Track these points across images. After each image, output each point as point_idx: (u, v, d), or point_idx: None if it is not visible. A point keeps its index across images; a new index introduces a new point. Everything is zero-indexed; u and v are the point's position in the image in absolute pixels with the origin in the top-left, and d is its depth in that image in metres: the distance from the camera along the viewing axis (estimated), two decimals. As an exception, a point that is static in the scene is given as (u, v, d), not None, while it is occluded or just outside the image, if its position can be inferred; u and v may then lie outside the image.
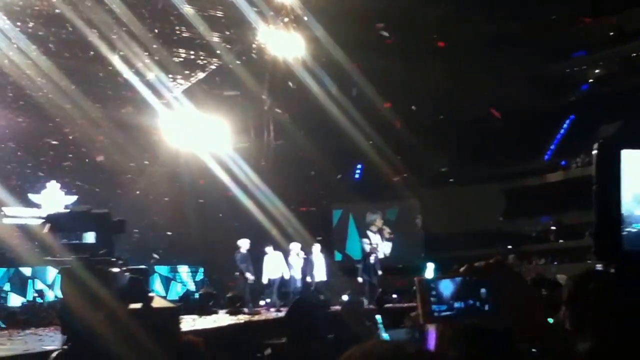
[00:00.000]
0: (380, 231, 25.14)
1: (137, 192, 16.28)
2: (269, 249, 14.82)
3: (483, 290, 1.65)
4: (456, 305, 1.68)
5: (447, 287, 1.73)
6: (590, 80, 25.35)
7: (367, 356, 1.32)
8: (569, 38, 24.38)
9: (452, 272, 1.72)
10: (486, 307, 1.65)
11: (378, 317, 9.35)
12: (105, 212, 5.74)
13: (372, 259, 16.22)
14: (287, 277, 14.82)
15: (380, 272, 16.13)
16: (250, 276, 14.17)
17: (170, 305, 6.35)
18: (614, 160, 2.10)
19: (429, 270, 12.46)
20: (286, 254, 15.09)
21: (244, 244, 14.39)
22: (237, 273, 14.33)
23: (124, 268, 5.17)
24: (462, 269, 1.72)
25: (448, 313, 1.70)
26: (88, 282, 4.54)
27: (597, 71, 25.35)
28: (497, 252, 24.45)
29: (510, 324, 1.66)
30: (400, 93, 18.66)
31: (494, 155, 24.23)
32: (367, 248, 19.97)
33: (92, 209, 5.03)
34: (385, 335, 8.61)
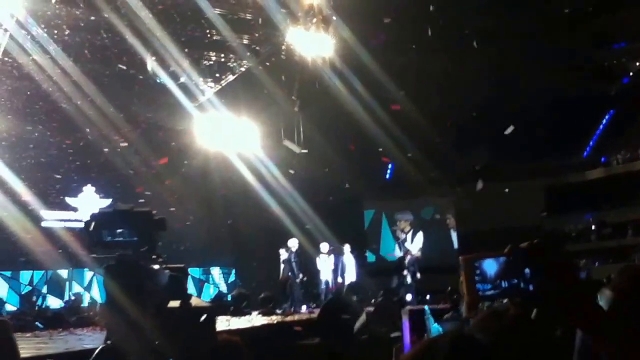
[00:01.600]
0: (405, 231, 25.31)
1: (169, 195, 16.81)
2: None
3: (527, 271, 1.72)
4: (500, 284, 1.78)
5: (491, 266, 1.83)
6: (631, 73, 24.97)
7: (431, 347, 1.48)
8: (609, 28, 24.02)
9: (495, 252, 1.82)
10: (530, 287, 1.73)
11: (426, 307, 9.56)
12: (147, 210, 6.14)
13: (407, 259, 16.38)
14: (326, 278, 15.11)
15: (418, 275, 16.21)
16: (300, 276, 14.46)
17: (207, 304, 6.80)
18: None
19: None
20: (316, 254, 15.38)
21: (293, 244, 14.65)
22: (288, 273, 14.52)
23: (164, 266, 5.59)
24: (506, 250, 1.82)
25: (492, 292, 1.81)
26: (130, 279, 4.96)
27: (638, 63, 24.95)
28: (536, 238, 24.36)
29: (555, 305, 1.65)
30: (433, 90, 18.81)
31: (532, 151, 24.11)
32: (401, 249, 20.19)
33: (135, 207, 5.42)
34: (435, 326, 8.85)
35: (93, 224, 5.52)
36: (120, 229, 5.62)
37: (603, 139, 25.54)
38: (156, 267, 5.21)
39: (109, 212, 5.54)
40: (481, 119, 21.52)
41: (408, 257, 16.55)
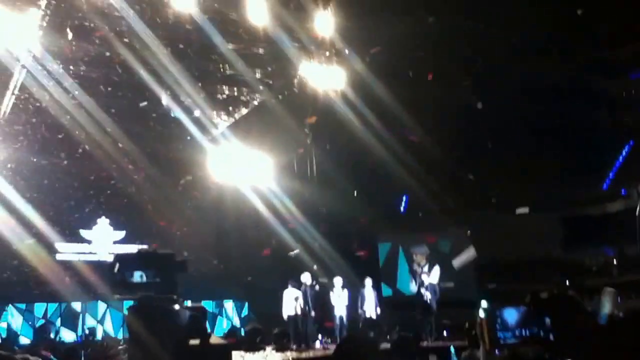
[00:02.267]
0: (421, 265, 25.19)
1: (183, 227, 17.01)
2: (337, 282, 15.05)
3: (547, 320, 1.83)
4: (521, 333, 1.94)
5: (511, 315, 2.03)
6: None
7: None
8: (628, 57, 24.05)
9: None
10: (551, 336, 1.81)
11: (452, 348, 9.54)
12: (169, 252, 6.47)
13: (424, 294, 16.25)
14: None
15: (434, 308, 16.05)
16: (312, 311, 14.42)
17: (224, 342, 6.96)
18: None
19: (483, 307, 12.28)
20: (330, 288, 15.33)
21: (307, 279, 14.63)
22: (302, 308, 14.46)
23: (185, 306, 5.88)
24: (526, 299, 1.95)
25: (513, 340, 1.96)
26: (153, 320, 5.23)
27: (657, 93, 24.91)
28: (555, 287, 24.13)
29: (576, 355, 1.70)
30: (446, 121, 18.95)
31: (550, 182, 24.01)
32: (416, 283, 20.06)
33: (158, 250, 5.69)
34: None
35: (117, 265, 5.85)
36: (143, 271, 5.92)
37: (624, 170, 25.37)
38: (177, 307, 5.50)
39: (132, 254, 5.85)
40: (497, 149, 21.54)
41: (424, 291, 16.41)
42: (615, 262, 24.52)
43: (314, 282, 14.83)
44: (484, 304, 8.51)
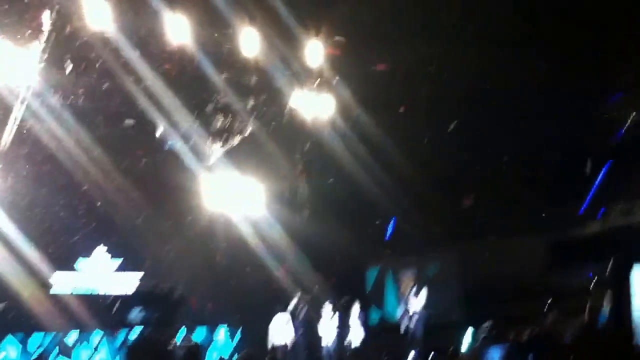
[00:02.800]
0: (408, 289, 25.09)
1: (176, 253, 16.87)
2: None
3: (530, 356, 2.00)
4: None
5: (497, 353, 2.11)
6: (627, 125, 25.28)
7: None
8: (605, 81, 24.37)
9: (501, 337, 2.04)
10: None
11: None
12: (167, 289, 6.56)
13: (409, 319, 16.06)
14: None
15: (419, 334, 15.82)
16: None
17: None
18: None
19: (468, 335, 12.21)
20: (319, 315, 15.18)
21: (294, 307, 14.44)
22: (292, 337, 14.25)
23: (183, 341, 5.98)
24: (510, 336, 2.08)
25: None
26: (152, 356, 5.20)
27: (633, 115, 25.28)
28: (539, 307, 24.08)
29: None
30: (432, 146, 19.11)
31: (531, 205, 24.16)
32: (403, 307, 19.91)
33: (157, 285, 5.81)
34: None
35: (115, 304, 5.95)
36: (142, 307, 5.96)
37: (602, 191, 25.60)
38: (176, 342, 5.57)
39: (131, 294, 5.87)
40: (482, 174, 21.71)
41: (409, 316, 16.21)
42: (596, 283, 24.59)
43: (303, 308, 14.71)
44: (468, 336, 8.39)
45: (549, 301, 23.87)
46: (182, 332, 15.90)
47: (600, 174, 25.73)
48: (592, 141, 24.31)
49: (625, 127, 24.94)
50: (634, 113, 24.47)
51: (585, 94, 21.50)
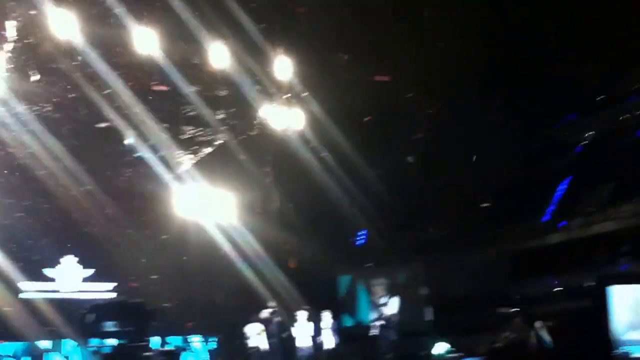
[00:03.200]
0: (380, 296, 25.02)
1: (147, 262, 16.56)
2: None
3: None
4: None
5: None
6: (584, 142, 25.71)
7: None
8: (560, 101, 24.89)
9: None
10: None
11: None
12: (140, 302, 6.46)
13: (380, 326, 15.87)
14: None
15: (390, 341, 15.63)
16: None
17: None
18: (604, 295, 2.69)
19: (439, 348, 12.01)
20: (293, 322, 14.99)
21: (266, 315, 14.17)
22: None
23: (157, 351, 5.81)
24: (481, 349, 1.99)
25: None
26: None
27: (589, 133, 25.77)
28: (504, 315, 24.20)
29: None
30: (397, 160, 19.10)
31: (495, 218, 24.33)
32: (376, 314, 19.74)
33: (129, 300, 5.68)
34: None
35: (90, 316, 5.73)
36: (116, 320, 5.85)
37: (563, 204, 25.90)
38: (149, 353, 5.43)
39: (104, 304, 5.74)
40: (448, 188, 21.79)
41: (381, 323, 16.07)
42: (557, 291, 24.80)
43: (275, 316, 14.49)
44: (438, 348, 8.17)
45: (512, 310, 24.04)
46: (157, 341, 15.58)
47: (560, 188, 26.09)
48: (552, 157, 24.71)
49: (582, 145, 25.45)
50: (590, 132, 25.02)
51: (544, 114, 21.89)
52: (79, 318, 13.87)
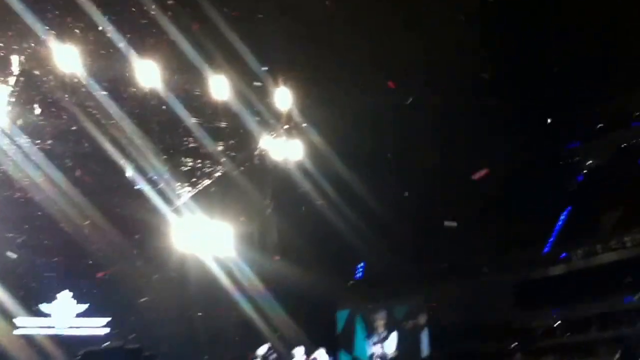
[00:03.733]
0: (379, 331, 24.89)
1: (147, 296, 16.50)
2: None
3: None
4: None
5: None
6: (585, 171, 25.85)
7: None
8: (562, 129, 25.04)
9: None
10: None
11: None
12: (137, 347, 6.26)
13: None
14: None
15: None
16: None
17: None
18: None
19: None
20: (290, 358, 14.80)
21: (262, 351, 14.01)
22: None
23: None
24: None
25: None
26: None
27: (590, 162, 25.90)
28: (506, 346, 24.04)
29: None
30: (398, 191, 19.23)
31: (496, 249, 24.33)
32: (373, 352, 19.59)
33: (126, 345, 5.54)
34: None
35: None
36: None
37: (564, 234, 25.91)
38: None
39: (99, 351, 5.69)
40: (449, 217, 21.90)
41: (378, 354, 15.76)
42: (559, 323, 24.64)
43: (270, 353, 14.30)
44: None
45: (515, 343, 23.88)
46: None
47: (561, 218, 26.16)
48: (553, 186, 24.84)
49: (583, 173, 25.61)
50: (591, 161, 25.21)
51: (545, 141, 22.13)
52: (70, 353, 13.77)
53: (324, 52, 14.60)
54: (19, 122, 11.32)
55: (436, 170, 19.70)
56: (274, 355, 14.10)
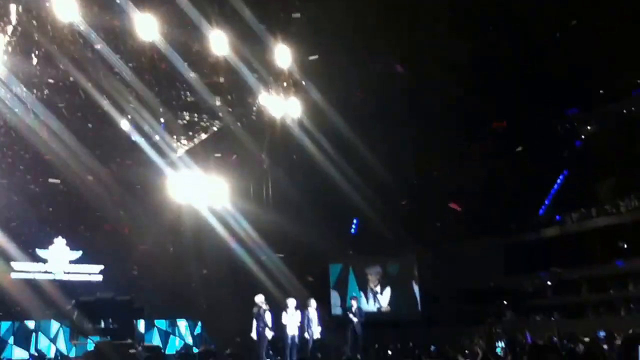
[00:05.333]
0: (374, 285, 25.57)
1: (140, 247, 16.90)
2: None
3: None
4: None
5: None
6: (583, 137, 26.09)
7: None
8: (563, 94, 25.21)
9: None
10: None
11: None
12: (127, 298, 6.77)
13: (355, 311, 16.06)
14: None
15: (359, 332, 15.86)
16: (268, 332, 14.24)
17: None
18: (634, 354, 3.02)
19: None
20: (283, 309, 15.30)
21: (260, 300, 14.43)
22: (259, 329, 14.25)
23: (141, 348, 6.20)
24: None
25: None
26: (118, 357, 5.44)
27: (589, 128, 26.13)
28: (495, 307, 24.81)
29: None
30: (395, 150, 19.46)
31: (491, 211, 24.75)
32: (368, 302, 20.17)
33: (116, 296, 6.00)
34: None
35: (76, 312, 6.15)
36: (103, 318, 6.20)
37: (558, 198, 26.32)
38: (133, 351, 5.76)
39: (91, 300, 6.12)
40: (443, 179, 22.18)
41: (354, 309, 16.17)
42: (549, 284, 25.34)
43: (265, 303, 14.77)
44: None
45: (504, 302, 24.63)
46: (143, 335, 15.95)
47: (557, 182, 26.56)
48: (550, 151, 25.11)
49: (581, 139, 25.85)
50: (589, 127, 25.41)
51: (544, 107, 22.26)
52: (67, 308, 14.18)
53: (325, 7, 14.63)
54: (16, 71, 11.46)
55: (437, 131, 19.91)
56: (266, 306, 14.63)
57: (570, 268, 24.49)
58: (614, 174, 24.01)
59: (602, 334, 14.42)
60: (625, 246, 24.03)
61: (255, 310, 14.28)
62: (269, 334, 14.29)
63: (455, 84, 17.40)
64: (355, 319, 15.41)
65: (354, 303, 15.99)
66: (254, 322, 14.23)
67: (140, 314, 6.02)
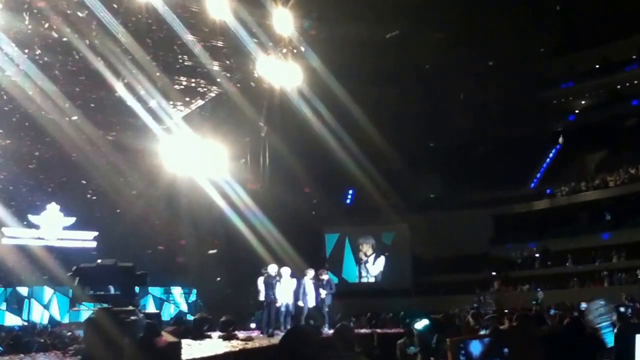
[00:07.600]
0: (367, 255, 25.40)
1: (135, 213, 16.37)
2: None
3: (505, 350, 2.13)
4: None
5: (476, 347, 2.17)
6: (577, 111, 25.85)
7: None
8: (556, 69, 24.84)
9: (480, 335, 2.22)
10: None
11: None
12: (129, 265, 6.12)
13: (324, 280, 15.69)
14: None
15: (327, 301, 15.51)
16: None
17: (175, 340, 6.71)
18: (631, 343, 2.87)
19: (420, 324, 11.73)
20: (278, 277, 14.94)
21: (273, 269, 14.06)
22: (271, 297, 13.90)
23: (141, 314, 5.63)
24: (489, 331, 2.23)
25: None
26: (111, 331, 4.97)
27: (583, 102, 25.88)
28: (483, 277, 24.78)
29: None
30: (391, 120, 19.04)
31: (482, 181, 24.57)
32: (362, 271, 19.94)
33: (118, 262, 5.39)
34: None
35: (78, 278, 5.61)
36: (103, 283, 5.65)
37: (550, 171, 26.19)
38: (134, 317, 5.32)
39: (92, 267, 5.55)
40: (436, 151, 21.89)
41: (323, 277, 15.80)
42: (537, 256, 25.36)
43: (262, 272, 14.41)
44: (420, 325, 7.87)
45: (492, 272, 24.57)
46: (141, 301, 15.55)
47: (550, 155, 26.37)
48: (543, 124, 24.88)
49: (575, 113, 25.63)
50: (583, 101, 25.18)
51: (538, 80, 21.95)
52: (64, 274, 13.63)
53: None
54: (8, 30, 10.72)
55: (431, 103, 19.51)
56: (261, 275, 14.27)
57: (557, 240, 24.49)
58: (604, 147, 23.80)
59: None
60: (610, 218, 24.05)
61: (264, 278, 13.86)
62: (285, 300, 13.89)
63: (448, 50, 16.88)
64: (324, 291, 14.94)
65: (324, 276, 15.36)
66: (263, 288, 13.81)
67: (143, 280, 5.66)
